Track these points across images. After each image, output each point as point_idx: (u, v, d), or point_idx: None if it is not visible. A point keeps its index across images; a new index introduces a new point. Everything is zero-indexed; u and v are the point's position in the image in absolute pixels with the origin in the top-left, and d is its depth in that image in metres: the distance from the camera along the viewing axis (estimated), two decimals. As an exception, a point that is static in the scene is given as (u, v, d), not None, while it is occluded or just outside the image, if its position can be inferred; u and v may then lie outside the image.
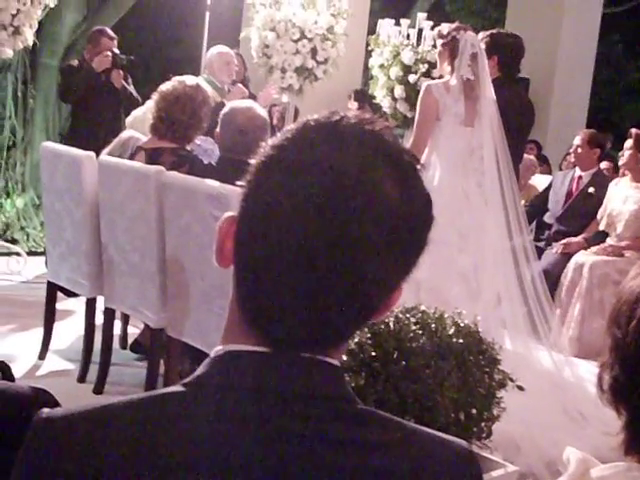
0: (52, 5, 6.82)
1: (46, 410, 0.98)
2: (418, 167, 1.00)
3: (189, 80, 4.61)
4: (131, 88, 6.88)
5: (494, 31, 5.69)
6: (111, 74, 6.78)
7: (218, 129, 4.32)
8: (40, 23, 7.14)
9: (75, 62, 7.07)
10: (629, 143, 6.22)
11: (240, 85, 6.69)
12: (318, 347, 0.98)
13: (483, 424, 3.00)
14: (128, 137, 4.96)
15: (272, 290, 0.95)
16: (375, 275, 0.95)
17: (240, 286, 1.00)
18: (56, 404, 1.75)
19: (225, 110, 4.33)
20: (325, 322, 0.96)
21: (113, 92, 6.83)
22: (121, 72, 6.79)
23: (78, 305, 5.07)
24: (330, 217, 0.92)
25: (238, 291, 1.00)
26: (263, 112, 4.39)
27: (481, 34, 5.47)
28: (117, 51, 6.83)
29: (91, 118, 6.77)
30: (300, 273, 0.93)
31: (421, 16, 7.72)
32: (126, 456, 0.93)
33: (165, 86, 4.57)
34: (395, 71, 7.50)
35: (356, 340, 2.88)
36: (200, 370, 0.99)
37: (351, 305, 0.96)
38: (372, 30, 8.32)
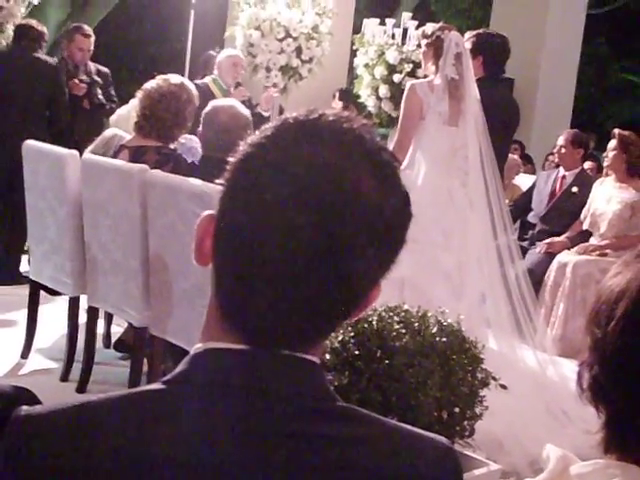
0: (36, 2, 6.82)
1: (25, 407, 0.98)
2: (396, 165, 1.00)
3: (174, 78, 4.59)
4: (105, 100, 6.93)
5: (480, 31, 5.70)
6: (82, 101, 6.80)
7: (200, 128, 4.31)
8: (23, 20, 7.12)
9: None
10: (613, 144, 6.22)
11: (242, 88, 6.66)
12: (297, 344, 0.98)
13: (466, 422, 3.01)
14: (112, 135, 4.94)
15: (251, 288, 0.95)
16: (354, 272, 0.96)
17: (219, 284, 1.00)
18: (38, 403, 1.74)
19: (207, 109, 4.32)
20: (304, 319, 0.96)
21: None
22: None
23: (61, 304, 5.05)
24: (308, 215, 0.92)
25: (217, 289, 1.00)
26: (245, 111, 4.39)
27: (467, 34, 5.47)
28: (100, 94, 6.84)
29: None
30: (279, 271, 0.93)
31: (406, 15, 7.75)
32: (106, 453, 0.93)
33: (149, 84, 4.55)
34: (380, 70, 7.52)
35: (339, 339, 2.88)
36: (180, 367, 0.99)
37: (330, 302, 0.96)
38: (357, 29, 8.34)
